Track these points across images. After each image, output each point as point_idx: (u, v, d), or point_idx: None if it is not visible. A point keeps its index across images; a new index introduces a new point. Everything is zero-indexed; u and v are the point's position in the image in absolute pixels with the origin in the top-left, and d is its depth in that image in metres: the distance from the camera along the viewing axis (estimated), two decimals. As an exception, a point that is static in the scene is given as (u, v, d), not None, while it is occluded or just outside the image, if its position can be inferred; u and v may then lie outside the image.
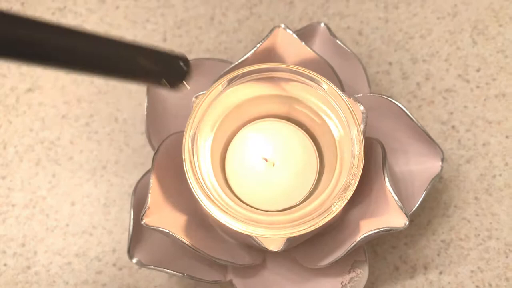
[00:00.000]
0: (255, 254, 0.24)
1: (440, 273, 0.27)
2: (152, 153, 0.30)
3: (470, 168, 0.29)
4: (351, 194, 0.20)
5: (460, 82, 0.31)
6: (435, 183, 0.29)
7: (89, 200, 0.30)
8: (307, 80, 0.22)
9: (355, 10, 0.32)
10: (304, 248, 0.24)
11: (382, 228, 0.21)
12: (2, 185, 0.30)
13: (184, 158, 0.21)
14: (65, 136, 0.31)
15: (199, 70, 0.26)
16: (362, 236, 0.21)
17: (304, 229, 0.20)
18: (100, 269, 0.28)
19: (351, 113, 0.21)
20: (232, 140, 0.24)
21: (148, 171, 0.25)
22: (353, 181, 0.20)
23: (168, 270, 0.23)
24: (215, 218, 0.21)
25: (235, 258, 0.23)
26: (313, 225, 0.20)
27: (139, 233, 0.24)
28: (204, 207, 0.21)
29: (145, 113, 0.25)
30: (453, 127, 0.30)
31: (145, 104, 0.25)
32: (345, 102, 0.21)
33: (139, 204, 0.24)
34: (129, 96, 0.31)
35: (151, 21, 0.33)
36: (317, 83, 0.22)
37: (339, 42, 0.26)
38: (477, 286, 0.27)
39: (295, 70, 0.22)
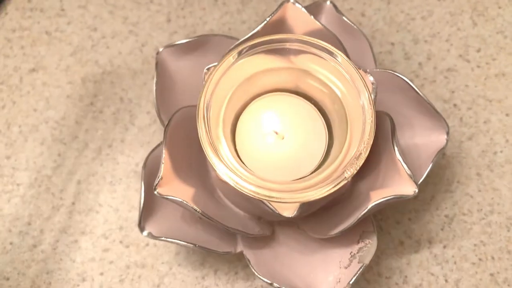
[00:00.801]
0: (265, 226, 0.24)
1: (444, 247, 0.28)
2: (159, 130, 0.30)
3: (472, 145, 0.30)
4: (363, 161, 0.21)
5: (461, 62, 0.31)
6: (439, 159, 0.29)
7: (95, 179, 0.30)
8: (318, 51, 0.23)
9: (358, -8, 0.33)
10: (313, 220, 0.24)
11: (392, 195, 0.21)
12: (7, 165, 0.30)
13: (199, 125, 0.21)
14: (70, 116, 0.31)
15: (206, 46, 0.26)
16: (373, 204, 0.21)
17: (320, 194, 0.20)
18: (107, 247, 0.28)
19: (363, 82, 0.22)
20: (241, 114, 0.24)
21: (157, 146, 0.26)
22: (365, 148, 0.21)
23: (179, 241, 0.23)
24: (227, 188, 0.22)
25: (245, 228, 0.23)
26: (329, 190, 0.20)
27: (149, 206, 0.24)
28: (218, 172, 0.21)
29: (154, 88, 0.25)
30: (454, 105, 0.30)
31: (154, 80, 0.26)
32: (357, 72, 0.22)
33: (149, 177, 0.24)
34: (134, 76, 0.31)
35: (155, 2, 0.33)
36: (330, 53, 0.22)
37: (345, 19, 0.26)
38: (480, 259, 0.28)
39: (306, 41, 0.22)
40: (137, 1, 0.33)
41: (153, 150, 0.25)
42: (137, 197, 0.29)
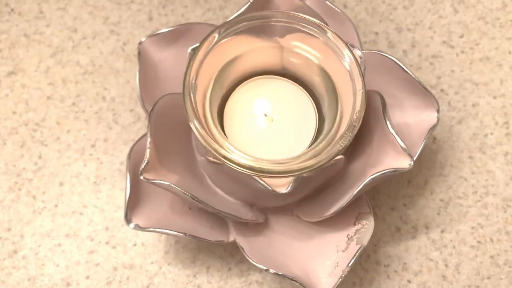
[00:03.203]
0: (258, 214, 0.23)
1: (442, 231, 0.27)
2: (143, 127, 0.29)
3: (462, 128, 0.29)
4: (356, 131, 0.20)
5: (445, 48, 0.31)
6: (430, 144, 0.29)
7: (78, 180, 0.28)
8: (306, 27, 0.22)
9: (339, -16, 0.33)
10: (306, 204, 0.23)
11: (387, 169, 0.21)
12: (-15, 169, 0.29)
13: (185, 101, 0.21)
14: (51, 117, 0.30)
15: (188, 35, 0.26)
16: (368, 179, 0.21)
17: (314, 165, 0.19)
18: (92, 249, 0.27)
19: (352, 55, 0.21)
20: (229, 98, 0.24)
21: (142, 137, 0.25)
22: (357, 119, 0.20)
23: (168, 231, 0.22)
24: (216, 173, 0.21)
25: (237, 213, 0.22)
26: (324, 160, 0.19)
27: (136, 197, 0.23)
28: (209, 149, 0.20)
29: (137, 77, 0.25)
30: (442, 90, 0.30)
31: (137, 68, 0.25)
32: (346, 46, 0.21)
33: (134, 167, 0.23)
34: (116, 75, 0.31)
35: (136, 2, 0.32)
36: (319, 29, 0.22)
37: (329, 4, 0.26)
38: (479, 242, 0.27)
39: (294, 16, 0.22)
40: (117, 1, 0.32)
41: (138, 140, 0.24)
42: (122, 196, 0.28)
